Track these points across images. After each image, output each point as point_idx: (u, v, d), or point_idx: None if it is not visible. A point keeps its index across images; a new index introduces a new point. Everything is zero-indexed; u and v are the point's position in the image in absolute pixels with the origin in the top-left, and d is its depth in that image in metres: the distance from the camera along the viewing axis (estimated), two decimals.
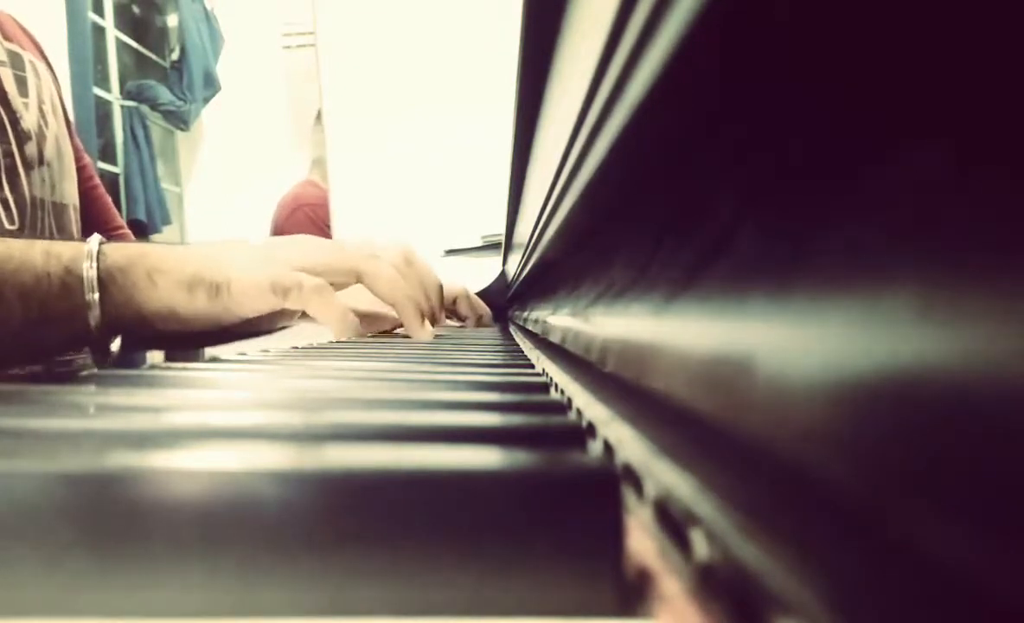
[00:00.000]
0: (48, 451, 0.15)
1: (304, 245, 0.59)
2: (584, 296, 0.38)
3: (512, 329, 0.91)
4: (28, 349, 0.52)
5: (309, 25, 1.92)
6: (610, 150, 0.22)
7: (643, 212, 0.26)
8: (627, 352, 0.23)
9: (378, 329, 0.72)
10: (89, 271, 0.49)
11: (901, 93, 0.10)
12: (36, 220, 0.66)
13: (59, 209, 0.70)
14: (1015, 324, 0.07)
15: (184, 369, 0.33)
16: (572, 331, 0.39)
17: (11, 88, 0.66)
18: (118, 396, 0.24)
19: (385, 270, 0.59)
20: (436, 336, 0.62)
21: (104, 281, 0.50)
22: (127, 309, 0.51)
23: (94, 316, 0.49)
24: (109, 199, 0.84)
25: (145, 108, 3.00)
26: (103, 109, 2.78)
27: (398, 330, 0.75)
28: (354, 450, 0.15)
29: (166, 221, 3.05)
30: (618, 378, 0.24)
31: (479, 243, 1.43)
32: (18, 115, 0.66)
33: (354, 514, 0.12)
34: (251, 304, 0.53)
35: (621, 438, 0.19)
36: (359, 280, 0.58)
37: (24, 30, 0.75)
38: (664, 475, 0.15)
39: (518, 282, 0.90)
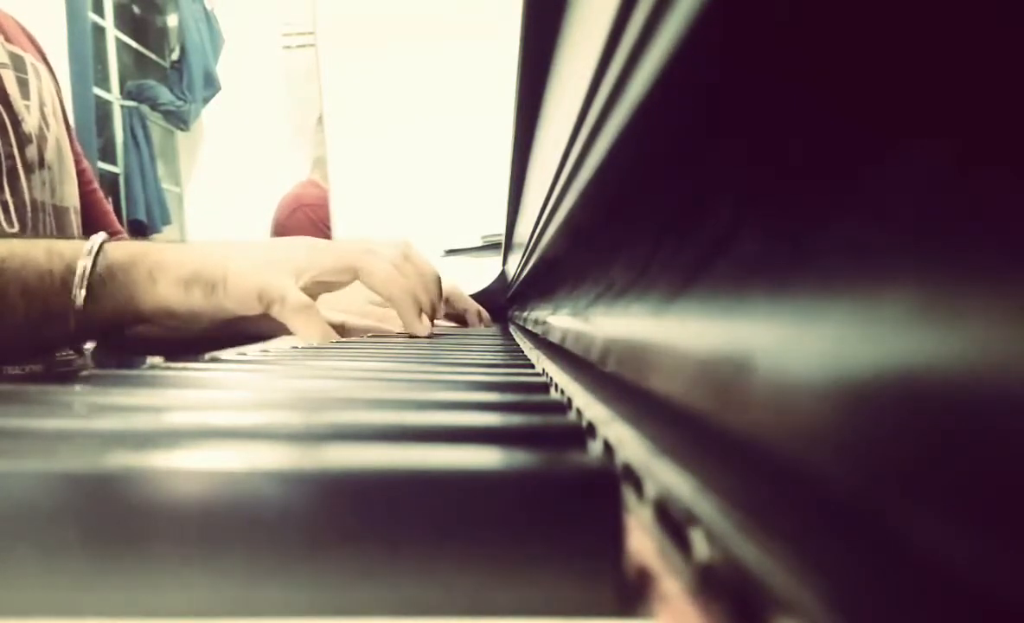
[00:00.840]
0: (48, 451, 0.15)
1: (303, 246, 0.59)
2: (584, 296, 0.38)
3: (512, 329, 0.91)
4: (31, 345, 0.53)
5: (309, 25, 1.92)
6: (610, 150, 0.22)
7: (643, 212, 0.26)
8: (627, 352, 0.23)
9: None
10: (90, 269, 0.50)
11: (900, 93, 0.10)
12: (36, 223, 0.66)
13: (59, 212, 0.70)
14: (1015, 324, 0.07)
15: (184, 369, 0.33)
16: (572, 331, 0.39)
17: (13, 90, 0.66)
18: (118, 396, 0.24)
19: (381, 265, 0.59)
20: (437, 336, 0.62)
21: (105, 278, 0.50)
22: (128, 306, 0.52)
23: (93, 313, 0.50)
24: (108, 204, 0.84)
25: (145, 108, 3.00)
26: (103, 109, 2.78)
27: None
28: (354, 450, 0.15)
29: (166, 221, 3.05)
30: (618, 378, 0.24)
31: (479, 243, 1.43)
32: (20, 117, 0.66)
33: (354, 514, 0.12)
34: (240, 305, 0.54)
35: (621, 438, 0.19)
36: (356, 277, 0.59)
37: (25, 32, 0.75)
38: (664, 475, 0.15)
39: (518, 282, 0.90)
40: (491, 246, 1.36)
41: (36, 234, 0.65)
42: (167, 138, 3.28)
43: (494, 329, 0.90)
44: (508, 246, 0.92)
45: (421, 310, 0.61)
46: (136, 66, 3.10)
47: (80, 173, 0.77)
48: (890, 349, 0.09)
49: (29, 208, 0.65)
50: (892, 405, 0.08)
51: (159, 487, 0.12)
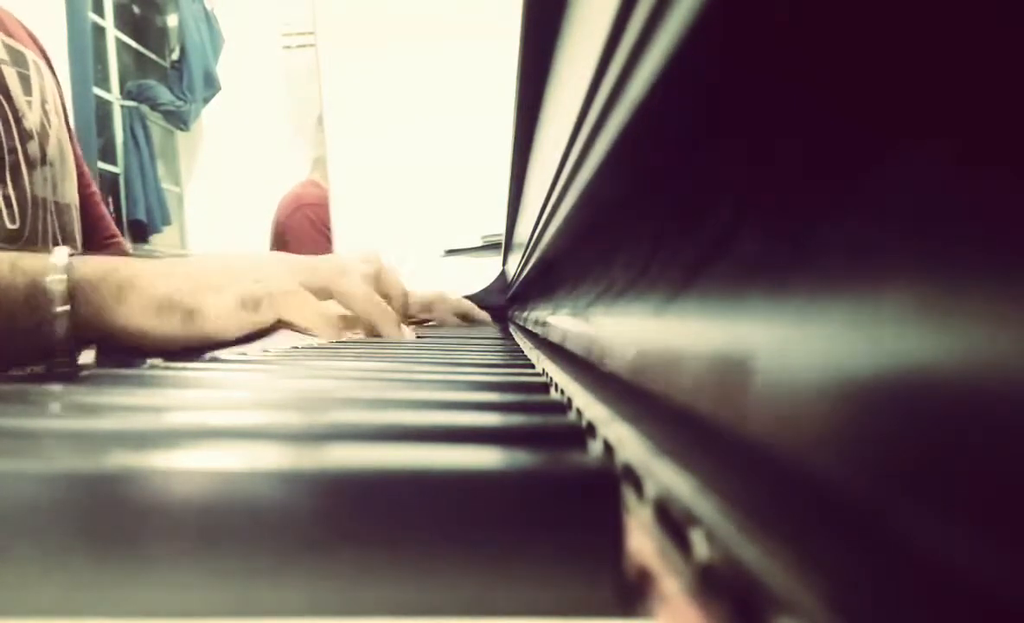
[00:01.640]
0: (47, 451, 0.15)
1: (281, 264, 0.59)
2: (584, 296, 0.38)
3: (512, 329, 0.91)
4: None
5: (309, 25, 1.92)
6: (610, 150, 0.22)
7: (643, 212, 0.26)
8: (627, 352, 0.23)
9: (355, 329, 0.72)
10: (55, 285, 0.49)
11: (900, 93, 0.10)
12: (38, 219, 0.66)
13: (61, 208, 0.70)
14: (1015, 324, 0.07)
15: (184, 369, 0.33)
16: (572, 331, 0.39)
17: (15, 86, 0.66)
18: (118, 396, 0.24)
19: (357, 287, 0.59)
20: (437, 336, 0.62)
21: (72, 294, 0.49)
22: (94, 323, 0.51)
23: (60, 329, 0.49)
24: (104, 208, 0.84)
25: (145, 108, 3.00)
26: (103, 109, 2.78)
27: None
28: (354, 450, 0.15)
29: (166, 221, 3.05)
30: (618, 378, 0.24)
31: (479, 243, 1.43)
32: (21, 113, 0.66)
33: (354, 514, 0.12)
34: (226, 327, 0.53)
35: (621, 438, 0.19)
36: (331, 297, 0.59)
37: (27, 29, 0.75)
38: (664, 475, 0.15)
39: (518, 282, 0.90)
40: (491, 246, 1.36)
41: (37, 231, 0.65)
42: (167, 138, 3.27)
43: (494, 329, 0.90)
44: (508, 246, 0.92)
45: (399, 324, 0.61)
46: (136, 66, 3.10)
47: (80, 176, 0.77)
48: (890, 349, 0.09)
49: (30, 204, 0.65)
50: (892, 405, 0.08)
51: (159, 487, 0.12)
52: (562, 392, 0.30)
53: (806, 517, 0.10)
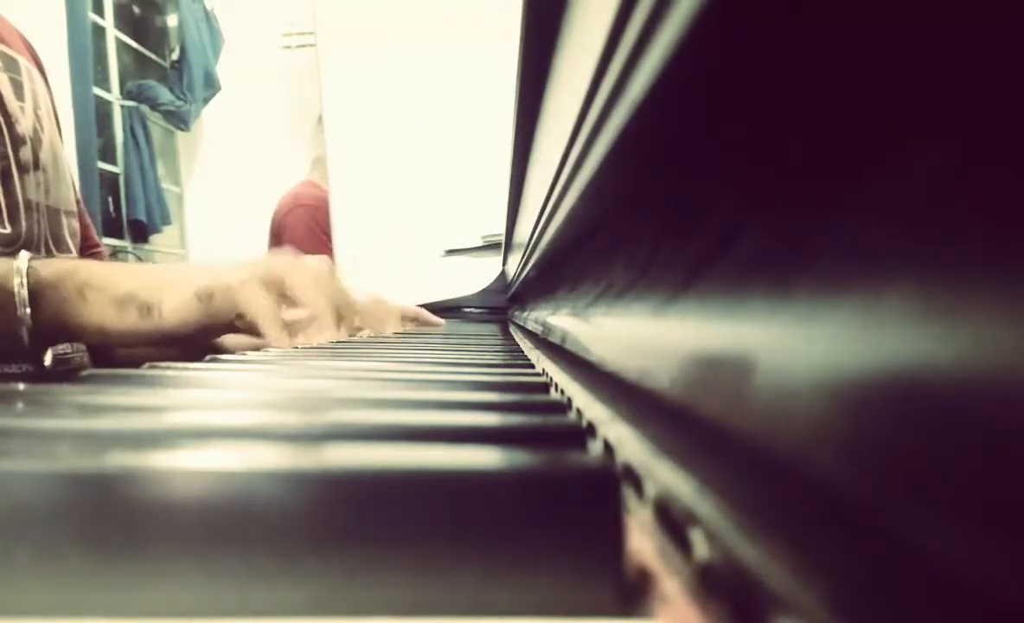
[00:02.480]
0: (46, 451, 0.15)
1: (240, 264, 0.59)
2: (584, 296, 0.38)
3: (512, 329, 0.91)
4: None
5: (309, 25, 1.92)
6: (610, 150, 0.22)
7: (643, 212, 0.26)
8: (627, 352, 0.23)
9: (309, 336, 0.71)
10: (19, 288, 0.51)
11: (900, 93, 0.10)
12: (31, 224, 0.66)
13: (53, 213, 0.70)
14: (1015, 324, 0.07)
15: (183, 369, 0.33)
16: (572, 331, 0.39)
17: (7, 91, 0.66)
18: (117, 396, 0.24)
19: (305, 279, 0.59)
20: (437, 336, 0.62)
21: (34, 295, 0.52)
22: (56, 323, 0.53)
23: (26, 330, 0.52)
24: (88, 217, 0.85)
25: (145, 108, 3.00)
26: (103, 109, 2.78)
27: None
28: (354, 450, 0.15)
29: (166, 221, 3.05)
30: (618, 378, 0.24)
31: (479, 243, 1.43)
32: (14, 119, 0.66)
33: (354, 514, 0.12)
34: (183, 320, 0.54)
35: (621, 438, 0.19)
36: (283, 289, 0.59)
37: (21, 36, 0.75)
38: (664, 475, 0.15)
39: (518, 282, 0.90)
40: (491, 246, 1.36)
41: (30, 235, 0.65)
42: (167, 138, 3.27)
43: (494, 329, 0.90)
44: (508, 246, 0.92)
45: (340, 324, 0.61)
46: (136, 66, 3.10)
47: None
48: (890, 349, 0.09)
49: (23, 208, 0.65)
50: (892, 405, 0.08)
51: (158, 487, 0.12)
52: (562, 392, 0.30)
53: (806, 517, 0.10)
